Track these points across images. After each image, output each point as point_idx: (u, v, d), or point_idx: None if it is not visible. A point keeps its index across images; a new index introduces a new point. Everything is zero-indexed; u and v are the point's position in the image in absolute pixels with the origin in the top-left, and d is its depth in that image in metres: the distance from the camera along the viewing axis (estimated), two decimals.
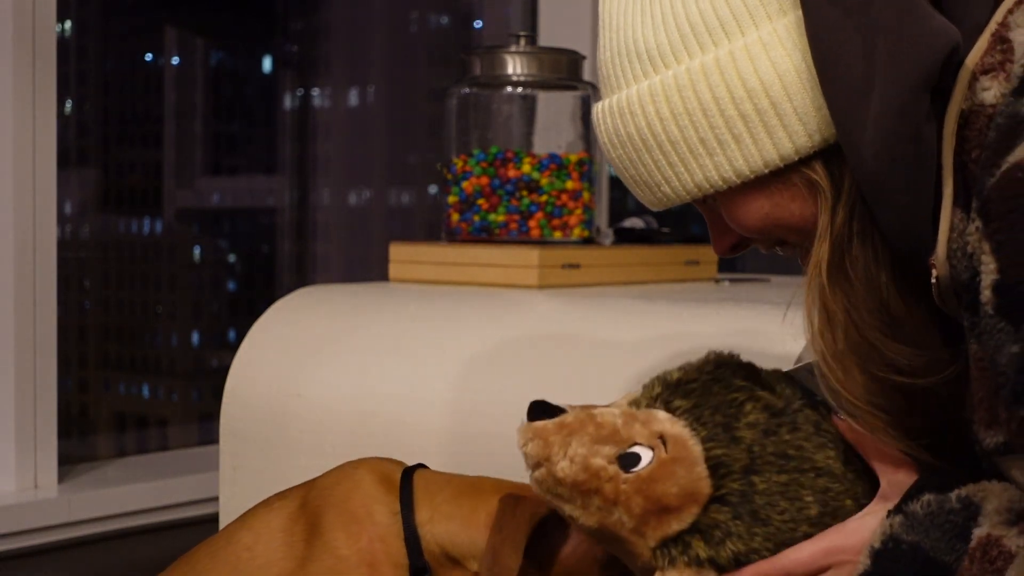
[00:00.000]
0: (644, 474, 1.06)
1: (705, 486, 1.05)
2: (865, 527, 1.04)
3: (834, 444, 1.08)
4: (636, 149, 1.06)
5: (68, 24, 2.82)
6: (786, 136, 1.00)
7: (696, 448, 1.06)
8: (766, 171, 1.01)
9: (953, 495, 1.00)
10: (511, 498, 1.20)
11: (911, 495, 1.02)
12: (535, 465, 1.09)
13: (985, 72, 0.94)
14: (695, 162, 1.03)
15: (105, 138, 2.95)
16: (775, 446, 1.07)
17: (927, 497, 1.00)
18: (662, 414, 1.10)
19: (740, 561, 1.06)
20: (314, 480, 1.25)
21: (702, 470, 1.06)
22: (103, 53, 2.94)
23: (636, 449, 1.07)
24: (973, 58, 0.95)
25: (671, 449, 1.06)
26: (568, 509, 1.09)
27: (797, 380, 1.15)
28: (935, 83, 0.94)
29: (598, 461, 1.07)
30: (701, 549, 1.05)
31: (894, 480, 1.05)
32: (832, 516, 1.07)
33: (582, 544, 1.20)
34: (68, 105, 2.78)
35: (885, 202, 0.97)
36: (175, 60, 3.08)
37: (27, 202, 2.16)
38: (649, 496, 1.05)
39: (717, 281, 2.19)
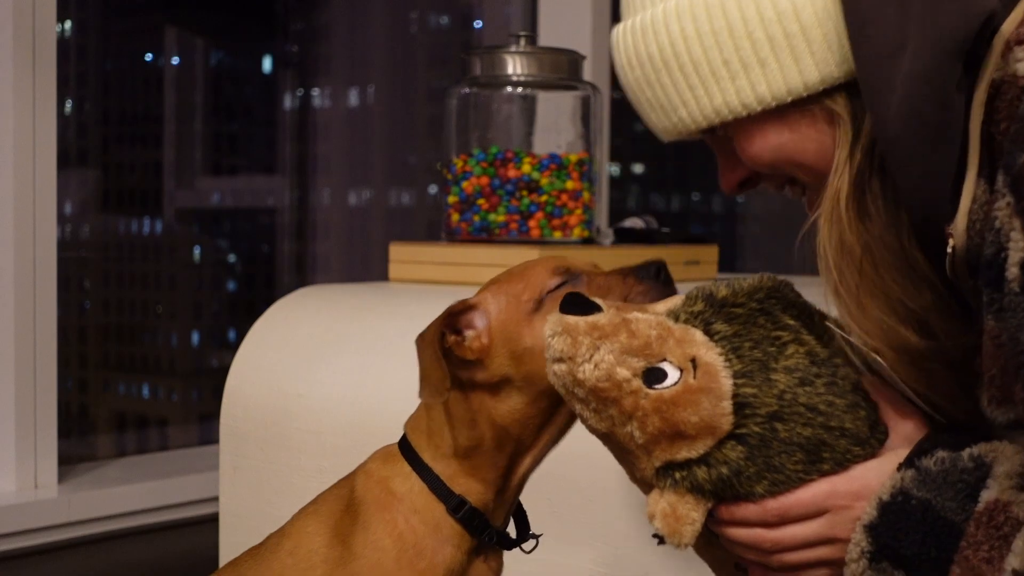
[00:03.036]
0: (667, 395, 1.01)
1: (726, 423, 1.00)
2: (868, 474, 1.01)
3: (866, 407, 1.03)
4: (656, 69, 1.02)
5: (68, 24, 2.82)
6: (813, 64, 0.97)
7: (727, 382, 1.01)
8: (788, 99, 0.98)
9: (966, 453, 0.97)
10: (418, 336, 1.15)
11: (925, 450, 0.99)
12: (557, 359, 1.04)
13: (1020, 42, 0.91)
14: (716, 85, 1.00)
15: (105, 138, 2.95)
16: (807, 397, 1.01)
17: (941, 454, 0.98)
18: (700, 336, 1.04)
19: (740, 497, 1.02)
20: (332, 488, 1.23)
21: (727, 405, 1.00)
22: (103, 53, 2.94)
23: (664, 366, 1.02)
24: (1009, 26, 0.92)
25: (700, 377, 1.01)
26: (579, 408, 1.05)
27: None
28: (968, 51, 0.91)
29: (623, 372, 1.01)
30: (705, 480, 1.02)
31: (902, 430, 1.03)
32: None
33: (501, 309, 1.15)
34: (68, 105, 2.78)
35: (905, 165, 0.94)
36: (175, 60, 3.07)
37: (27, 202, 2.16)
38: (667, 419, 1.01)
39: (717, 281, 2.18)
